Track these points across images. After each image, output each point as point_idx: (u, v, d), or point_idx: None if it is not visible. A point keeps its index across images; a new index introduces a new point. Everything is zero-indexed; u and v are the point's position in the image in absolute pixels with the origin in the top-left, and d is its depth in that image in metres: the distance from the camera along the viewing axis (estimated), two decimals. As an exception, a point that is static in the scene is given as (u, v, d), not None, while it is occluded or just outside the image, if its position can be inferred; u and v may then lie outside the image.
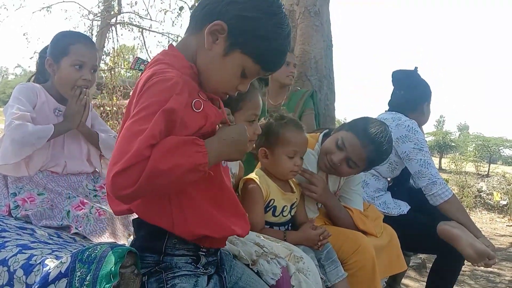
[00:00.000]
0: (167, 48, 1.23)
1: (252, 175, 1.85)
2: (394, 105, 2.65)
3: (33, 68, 2.22)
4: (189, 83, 1.11)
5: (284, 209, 1.86)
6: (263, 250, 1.50)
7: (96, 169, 2.06)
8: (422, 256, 4.06)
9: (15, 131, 1.73)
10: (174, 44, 1.24)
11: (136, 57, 1.85)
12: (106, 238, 1.70)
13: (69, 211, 1.76)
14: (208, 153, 1.05)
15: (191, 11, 1.25)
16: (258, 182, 1.80)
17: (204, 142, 1.06)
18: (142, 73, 1.19)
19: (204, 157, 1.04)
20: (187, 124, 1.07)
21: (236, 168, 1.90)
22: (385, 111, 2.68)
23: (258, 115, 1.55)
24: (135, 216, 1.20)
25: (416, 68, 2.72)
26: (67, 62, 1.90)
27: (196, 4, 1.23)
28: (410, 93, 2.63)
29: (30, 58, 11.42)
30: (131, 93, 1.15)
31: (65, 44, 1.91)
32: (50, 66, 1.92)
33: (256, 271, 1.43)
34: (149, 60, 1.27)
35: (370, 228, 2.05)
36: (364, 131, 1.96)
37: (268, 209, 1.82)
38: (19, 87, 1.90)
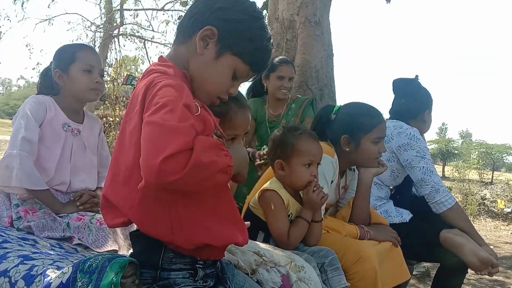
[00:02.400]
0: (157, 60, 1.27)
1: (271, 186, 1.82)
2: (395, 113, 2.66)
3: (36, 80, 2.23)
4: (187, 87, 1.14)
5: None
6: (262, 259, 1.49)
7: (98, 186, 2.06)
8: (426, 264, 4.04)
9: (18, 160, 1.75)
10: (163, 55, 1.29)
11: (127, 74, 1.91)
12: (109, 246, 1.70)
13: (68, 222, 1.76)
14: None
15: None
16: (280, 194, 1.78)
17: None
18: (134, 87, 1.23)
19: (231, 161, 1.08)
20: (195, 124, 1.10)
21: None
22: (387, 119, 2.68)
23: (241, 134, 1.51)
24: (134, 227, 1.20)
25: (416, 76, 2.73)
26: (77, 68, 1.94)
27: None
28: (411, 101, 2.63)
29: (33, 69, 11.50)
30: (127, 105, 1.18)
31: (70, 53, 1.96)
32: (60, 77, 1.95)
33: (256, 280, 1.43)
34: (139, 76, 1.31)
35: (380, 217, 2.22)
36: (370, 114, 2.12)
37: None
38: (30, 101, 1.90)
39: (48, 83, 2.01)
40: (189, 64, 1.22)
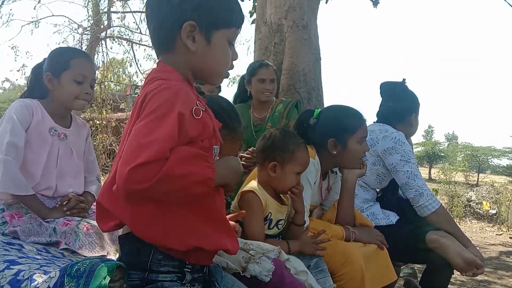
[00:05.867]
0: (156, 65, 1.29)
1: (251, 187, 1.85)
2: (382, 116, 2.68)
3: (22, 82, 2.17)
4: (189, 92, 1.16)
5: (280, 222, 1.89)
6: (250, 253, 1.51)
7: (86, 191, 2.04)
8: (413, 266, 4.07)
9: (3, 165, 1.74)
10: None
11: (131, 84, 1.91)
12: (96, 252, 1.69)
13: (54, 227, 1.74)
14: (216, 172, 1.11)
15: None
16: (258, 194, 1.82)
17: (213, 161, 1.14)
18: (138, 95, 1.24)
19: (213, 173, 1.10)
20: (188, 130, 1.12)
21: None
22: (373, 122, 2.71)
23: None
24: (121, 232, 1.21)
25: (404, 79, 2.76)
26: (69, 76, 1.90)
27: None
28: (398, 104, 2.66)
29: (18, 71, 11.35)
30: (129, 113, 1.20)
31: (65, 59, 1.92)
32: (50, 81, 1.91)
33: (249, 276, 1.45)
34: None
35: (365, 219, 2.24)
36: (353, 115, 2.16)
37: (265, 222, 1.84)
38: (16, 105, 1.88)
39: (38, 80, 1.96)
40: (189, 64, 1.24)
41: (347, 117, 2.15)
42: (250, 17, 4.81)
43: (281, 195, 1.93)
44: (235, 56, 1.31)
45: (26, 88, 2.07)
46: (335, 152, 2.12)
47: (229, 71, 1.33)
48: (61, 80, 1.91)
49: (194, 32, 1.20)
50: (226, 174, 1.20)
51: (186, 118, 1.10)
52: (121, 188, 1.01)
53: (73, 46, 10.42)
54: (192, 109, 1.14)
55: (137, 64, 12.13)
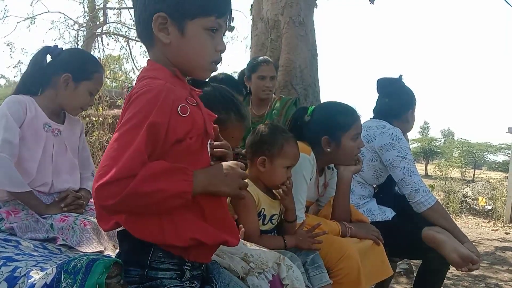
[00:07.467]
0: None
1: None
2: (379, 112, 2.68)
3: (17, 79, 2.11)
4: (173, 90, 1.13)
5: (273, 217, 1.89)
6: (250, 266, 1.50)
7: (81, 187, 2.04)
8: (409, 261, 4.09)
9: None
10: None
11: (128, 85, 1.94)
12: (94, 248, 1.70)
13: (52, 223, 1.74)
14: (194, 183, 1.10)
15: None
16: (250, 191, 1.81)
17: (193, 172, 1.11)
18: None
19: (189, 186, 1.09)
20: (175, 129, 1.11)
21: None
22: (370, 118, 2.71)
23: (233, 145, 1.56)
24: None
25: (400, 76, 2.76)
26: (87, 87, 1.95)
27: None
28: (394, 100, 2.66)
29: (14, 68, 11.31)
30: (110, 105, 1.21)
31: (91, 70, 1.96)
32: (65, 81, 1.91)
33: (247, 286, 1.45)
34: None
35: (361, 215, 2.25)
36: (347, 112, 2.16)
37: (258, 218, 1.83)
38: (9, 101, 1.86)
39: (37, 75, 1.93)
40: (168, 58, 1.21)
41: (340, 115, 2.15)
42: (251, 14, 4.79)
43: (274, 190, 1.93)
44: (221, 47, 1.22)
45: (20, 80, 2.02)
46: (329, 150, 2.12)
47: (218, 65, 1.26)
48: (78, 87, 1.93)
49: (167, 24, 1.16)
50: (212, 182, 1.16)
51: (161, 126, 1.08)
52: (95, 202, 1.05)
53: (70, 43, 10.40)
54: (177, 108, 1.12)
55: (133, 60, 12.13)
